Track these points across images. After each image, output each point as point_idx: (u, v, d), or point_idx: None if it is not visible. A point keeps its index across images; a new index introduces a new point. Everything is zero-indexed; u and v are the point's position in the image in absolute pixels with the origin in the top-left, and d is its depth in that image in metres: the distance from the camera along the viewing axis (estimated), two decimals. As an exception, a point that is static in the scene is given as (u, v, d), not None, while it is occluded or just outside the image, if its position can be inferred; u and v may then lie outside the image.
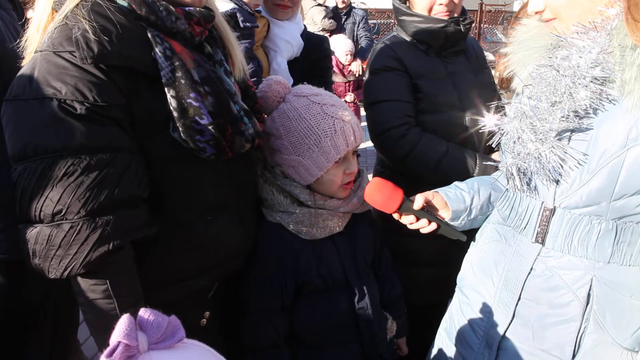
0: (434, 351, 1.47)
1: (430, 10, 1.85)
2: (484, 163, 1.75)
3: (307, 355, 1.48)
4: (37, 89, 1.00)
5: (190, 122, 1.10)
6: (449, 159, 1.76)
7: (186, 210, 1.21)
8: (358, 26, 6.32)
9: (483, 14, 12.58)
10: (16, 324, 1.76)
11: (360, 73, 5.63)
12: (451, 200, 1.35)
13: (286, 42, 2.17)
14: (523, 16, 1.27)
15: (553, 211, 1.10)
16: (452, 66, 1.89)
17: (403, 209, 1.34)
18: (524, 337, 1.17)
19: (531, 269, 1.15)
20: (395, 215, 1.38)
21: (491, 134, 1.21)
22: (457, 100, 1.85)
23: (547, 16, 1.13)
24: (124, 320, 0.61)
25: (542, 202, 1.12)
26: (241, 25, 1.95)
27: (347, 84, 5.68)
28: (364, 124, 1.98)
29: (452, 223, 1.37)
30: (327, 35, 5.54)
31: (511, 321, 1.18)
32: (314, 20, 5.83)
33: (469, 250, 1.41)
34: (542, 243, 1.13)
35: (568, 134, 1.05)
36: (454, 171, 1.70)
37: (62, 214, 1.00)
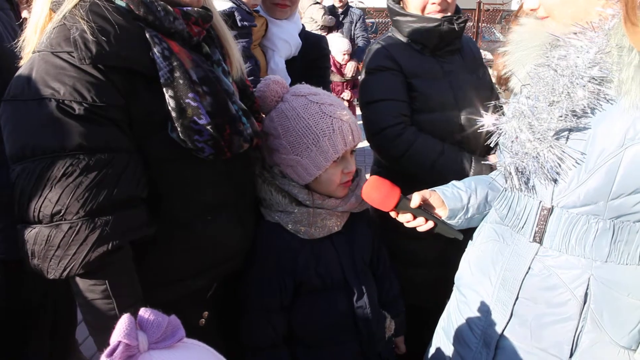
0: (432, 350, 1.48)
1: (423, 10, 1.85)
2: (479, 164, 1.75)
3: (306, 354, 1.48)
4: (35, 89, 1.00)
5: (188, 122, 1.10)
6: (445, 159, 1.77)
7: (185, 210, 1.21)
8: (355, 25, 6.32)
9: (481, 13, 12.57)
10: (15, 324, 1.76)
11: (354, 74, 5.64)
12: (448, 199, 1.36)
13: (284, 41, 2.17)
14: (522, 15, 1.27)
15: (551, 210, 1.11)
16: (448, 65, 1.90)
17: (400, 207, 1.35)
18: (521, 336, 1.17)
19: (529, 268, 1.15)
20: (392, 214, 1.39)
21: (489, 134, 1.21)
22: (452, 100, 1.86)
23: (541, 14, 1.13)
24: (124, 320, 0.61)
25: (540, 202, 1.13)
26: (239, 24, 1.95)
27: (345, 84, 5.68)
28: (360, 122, 1.98)
29: (448, 222, 1.37)
30: (324, 33, 5.54)
31: (509, 320, 1.19)
32: (313, 18, 5.83)
33: (466, 249, 1.42)
34: (540, 242, 1.13)
35: (566, 133, 1.06)
36: (449, 171, 1.70)
37: (61, 214, 1.00)
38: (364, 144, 1.89)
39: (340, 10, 6.30)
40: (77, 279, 1.06)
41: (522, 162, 1.11)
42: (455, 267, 1.44)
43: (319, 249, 1.45)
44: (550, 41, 1.10)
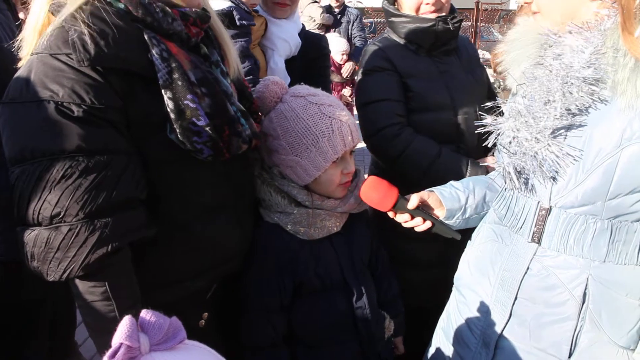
0: (432, 350, 1.48)
1: (417, 10, 1.85)
2: (475, 167, 1.75)
3: (306, 354, 1.48)
4: (33, 91, 1.00)
5: (187, 124, 1.10)
6: (441, 160, 1.77)
7: (183, 212, 1.21)
8: (352, 25, 6.32)
9: (479, 13, 12.57)
10: (15, 325, 1.75)
11: (350, 74, 5.64)
12: (446, 199, 1.36)
13: (283, 40, 2.17)
14: (521, 15, 1.28)
15: (549, 211, 1.11)
16: (443, 66, 1.90)
17: (398, 207, 1.36)
18: (520, 336, 1.18)
19: (527, 268, 1.15)
20: (390, 214, 1.40)
21: (486, 134, 1.21)
22: (448, 100, 1.86)
23: (533, 9, 1.15)
24: (125, 322, 0.61)
25: (538, 202, 1.13)
26: (237, 23, 1.95)
27: (344, 84, 5.68)
28: (357, 122, 1.99)
29: (446, 222, 1.38)
30: (322, 32, 5.54)
31: (508, 320, 1.19)
32: (311, 17, 5.84)
33: (465, 249, 1.42)
34: (538, 242, 1.14)
35: (563, 131, 1.06)
36: (445, 173, 1.70)
37: (61, 216, 1.00)
38: (363, 144, 1.89)
39: (337, 10, 6.30)
40: (77, 280, 1.06)
41: (521, 161, 1.12)
42: (454, 268, 1.44)
43: (318, 250, 1.45)
44: (545, 40, 1.11)
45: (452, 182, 1.44)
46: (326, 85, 2.30)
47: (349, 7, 6.57)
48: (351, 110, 5.58)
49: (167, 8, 1.12)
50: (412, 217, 1.37)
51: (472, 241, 1.40)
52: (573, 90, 1.02)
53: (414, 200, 1.35)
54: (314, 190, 1.44)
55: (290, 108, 1.41)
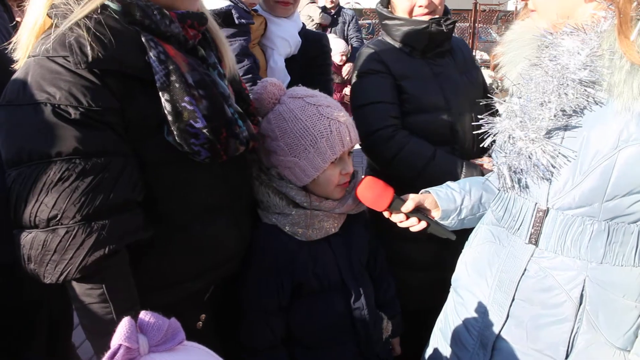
0: (429, 351, 1.48)
1: (410, 13, 1.86)
2: (470, 168, 1.76)
3: (305, 355, 1.48)
4: (30, 94, 1.00)
5: (184, 126, 1.10)
6: (436, 162, 1.77)
7: (181, 214, 1.20)
8: (348, 26, 6.33)
9: (477, 14, 12.60)
10: (12, 326, 1.75)
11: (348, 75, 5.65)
12: (441, 200, 1.37)
13: (283, 39, 2.17)
14: (521, 17, 1.29)
15: (546, 212, 1.11)
16: (438, 67, 1.91)
17: (393, 207, 1.37)
18: (518, 338, 1.18)
19: (525, 269, 1.16)
20: (386, 214, 1.41)
21: (481, 134, 1.21)
22: (442, 101, 1.86)
23: (530, 7, 1.16)
24: (124, 323, 0.61)
25: (536, 203, 1.13)
26: (236, 21, 1.95)
27: (344, 85, 5.68)
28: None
29: (442, 222, 1.38)
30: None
31: (505, 322, 1.20)
32: (310, 16, 5.86)
33: (463, 250, 1.42)
34: (536, 244, 1.14)
35: (558, 132, 1.07)
36: (440, 174, 1.70)
37: (58, 218, 0.99)
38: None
39: (332, 11, 6.31)
40: (74, 283, 1.06)
41: (516, 161, 1.12)
42: (449, 269, 1.45)
43: (316, 251, 1.45)
44: (541, 41, 1.11)
45: (448, 182, 1.45)
46: (327, 84, 2.30)
47: (344, 8, 6.58)
48: (349, 110, 5.56)
49: (165, 10, 1.11)
50: (407, 217, 1.38)
51: (470, 242, 1.40)
52: (569, 92, 1.02)
53: (409, 204, 1.36)
54: (312, 192, 1.44)
55: (289, 109, 1.41)
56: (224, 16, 1.94)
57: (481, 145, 1.21)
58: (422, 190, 1.44)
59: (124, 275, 1.11)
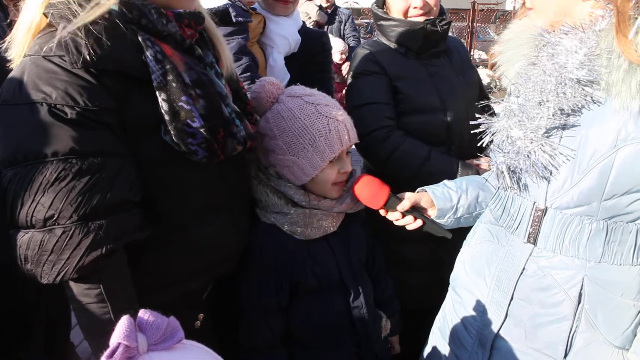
0: (428, 350, 1.48)
1: (405, 14, 1.87)
2: (465, 169, 1.76)
3: (304, 355, 1.48)
4: (26, 93, 0.99)
5: (182, 126, 1.09)
6: (431, 162, 1.78)
7: (179, 213, 1.20)
8: (345, 25, 6.34)
9: (475, 13, 12.60)
10: (10, 326, 1.75)
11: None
12: (438, 199, 1.37)
13: (282, 37, 2.17)
14: (519, 17, 1.29)
15: (545, 211, 1.11)
16: (433, 68, 1.91)
17: (389, 205, 1.38)
18: (516, 337, 1.18)
19: (523, 269, 1.16)
20: (382, 212, 1.41)
21: (478, 134, 1.21)
22: (438, 102, 1.87)
23: (527, 5, 1.16)
24: (123, 322, 0.61)
25: (534, 203, 1.13)
26: (234, 20, 1.95)
27: (344, 84, 5.68)
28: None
29: (438, 221, 1.39)
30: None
31: (504, 321, 1.20)
32: (307, 13, 5.86)
33: (461, 250, 1.42)
34: (534, 243, 1.14)
35: (556, 131, 1.07)
36: (435, 175, 1.70)
37: (54, 219, 0.99)
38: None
39: (328, 10, 6.32)
40: (71, 283, 1.05)
41: (514, 160, 1.12)
42: (448, 269, 1.45)
43: (315, 250, 1.45)
44: (539, 40, 1.11)
45: (445, 181, 1.45)
46: (328, 81, 2.29)
47: (340, 7, 6.59)
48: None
49: (162, 9, 1.11)
50: (403, 216, 1.38)
51: (468, 241, 1.40)
52: (567, 91, 1.02)
53: (405, 203, 1.37)
54: (310, 190, 1.44)
55: (287, 108, 1.41)
56: (221, 14, 1.94)
57: (479, 144, 1.21)
58: (419, 189, 1.44)
59: (122, 275, 1.11)
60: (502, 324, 1.20)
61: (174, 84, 1.08)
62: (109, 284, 1.07)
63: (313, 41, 2.29)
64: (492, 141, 1.19)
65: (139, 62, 1.07)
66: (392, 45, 1.92)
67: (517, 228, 1.18)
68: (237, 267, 1.42)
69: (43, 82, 1.00)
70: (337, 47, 5.59)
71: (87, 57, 1.00)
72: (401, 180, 1.77)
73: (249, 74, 1.98)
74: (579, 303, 1.09)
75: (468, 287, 1.31)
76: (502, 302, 1.19)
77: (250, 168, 1.49)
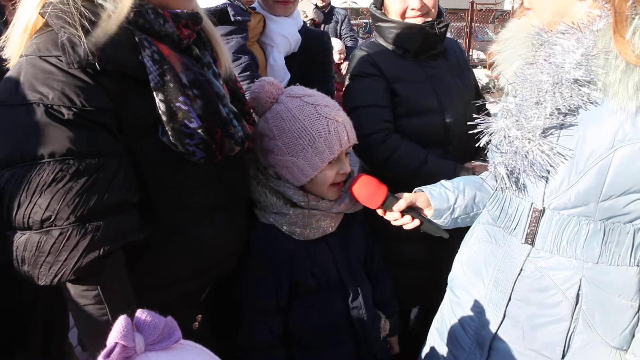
0: (426, 350, 1.48)
1: (403, 15, 1.86)
2: (462, 172, 1.76)
3: (303, 355, 1.49)
4: (23, 94, 0.99)
5: (179, 126, 1.09)
6: (428, 166, 1.78)
7: (177, 214, 1.20)
8: (341, 25, 6.35)
9: (474, 13, 12.62)
10: (8, 329, 1.74)
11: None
12: (434, 199, 1.38)
13: (282, 37, 2.17)
14: (518, 17, 1.29)
15: (542, 212, 1.11)
16: (431, 69, 1.91)
17: (387, 205, 1.38)
18: (514, 337, 1.18)
19: (521, 269, 1.15)
20: (379, 211, 1.41)
21: (476, 136, 1.21)
22: (436, 103, 1.87)
23: (525, 5, 1.16)
24: (121, 322, 0.61)
25: (532, 203, 1.13)
26: (232, 19, 1.95)
27: (343, 85, 5.68)
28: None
29: (435, 221, 1.39)
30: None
31: (502, 321, 1.19)
32: (304, 12, 5.87)
33: (459, 250, 1.42)
34: (532, 244, 1.14)
35: (553, 131, 1.06)
36: (432, 178, 1.71)
37: (51, 220, 0.99)
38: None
39: (324, 10, 6.32)
40: (69, 284, 1.05)
41: (512, 161, 1.12)
42: (446, 269, 1.45)
43: (314, 250, 1.45)
44: (536, 39, 1.11)
45: (442, 181, 1.45)
46: (329, 81, 2.29)
47: (336, 7, 6.60)
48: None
49: (159, 10, 1.11)
50: (402, 215, 1.38)
51: (466, 242, 1.40)
52: (564, 91, 1.02)
53: (401, 203, 1.37)
54: (309, 191, 1.44)
55: (286, 108, 1.41)
56: (220, 14, 1.94)
57: (477, 145, 1.21)
58: (416, 189, 1.44)
59: (120, 276, 1.11)
60: (500, 324, 1.20)
61: (171, 85, 1.08)
62: (106, 286, 1.07)
63: (313, 41, 2.29)
64: (489, 142, 1.19)
65: (136, 62, 1.06)
66: (390, 46, 1.92)
67: (514, 229, 1.18)
68: (236, 268, 1.41)
69: (40, 82, 0.99)
70: (335, 47, 5.60)
71: (84, 57, 0.99)
72: (399, 181, 1.78)
73: (248, 73, 1.98)
74: (576, 304, 1.09)
75: (466, 287, 1.31)
76: (500, 302, 1.19)
77: (249, 168, 1.49)
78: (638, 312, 1.08)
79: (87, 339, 1.12)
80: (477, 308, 1.25)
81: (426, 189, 1.42)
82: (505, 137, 1.12)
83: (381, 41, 1.95)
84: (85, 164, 1.01)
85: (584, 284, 1.08)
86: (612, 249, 1.05)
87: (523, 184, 1.15)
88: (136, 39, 1.07)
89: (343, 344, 1.50)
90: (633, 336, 1.09)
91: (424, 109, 1.86)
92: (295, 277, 1.42)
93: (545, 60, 1.05)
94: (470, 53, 12.04)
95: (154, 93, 1.08)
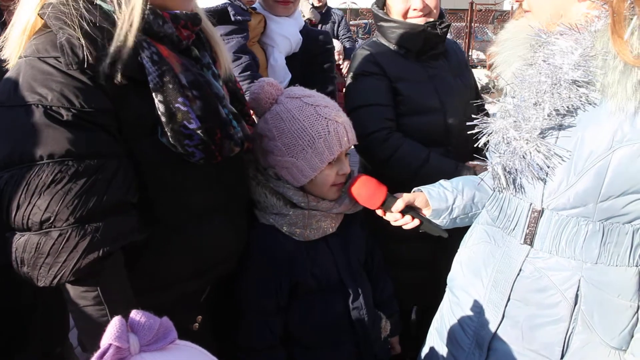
0: (426, 350, 1.48)
1: (405, 15, 1.87)
2: (463, 171, 1.76)
3: (303, 355, 1.49)
4: (22, 95, 0.99)
5: (178, 127, 1.09)
6: (430, 164, 1.78)
7: (176, 214, 1.20)
8: (338, 26, 6.36)
9: (474, 13, 12.62)
10: (7, 330, 1.75)
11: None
12: (433, 199, 1.38)
13: (283, 37, 2.17)
14: (516, 17, 1.29)
15: (541, 212, 1.11)
16: (432, 70, 1.92)
17: (386, 205, 1.37)
18: (513, 338, 1.18)
19: (520, 270, 1.16)
20: (379, 212, 1.41)
21: (475, 136, 1.21)
22: (437, 103, 1.88)
23: (524, 7, 1.15)
24: (115, 323, 0.60)
25: (531, 204, 1.13)
26: (232, 19, 1.95)
27: (342, 84, 5.68)
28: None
29: (433, 221, 1.39)
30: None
31: (501, 322, 1.19)
32: (301, 11, 5.88)
33: (458, 250, 1.42)
34: (531, 244, 1.14)
35: (552, 132, 1.06)
36: (434, 176, 1.71)
37: (51, 221, 0.99)
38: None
39: (322, 10, 6.33)
40: (68, 286, 1.05)
41: (510, 162, 1.12)
42: (445, 269, 1.45)
43: (314, 251, 1.45)
44: (535, 40, 1.11)
45: (441, 181, 1.45)
46: (330, 81, 2.29)
47: (333, 8, 6.62)
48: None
49: (158, 10, 1.10)
50: (403, 216, 1.38)
51: (465, 242, 1.40)
52: (562, 92, 1.02)
53: (399, 203, 1.37)
54: (309, 192, 1.44)
55: (286, 109, 1.41)
56: (220, 14, 1.94)
57: (475, 145, 1.21)
58: (415, 189, 1.44)
59: (119, 277, 1.11)
60: (499, 324, 1.20)
61: (170, 85, 1.08)
62: (106, 286, 1.07)
63: (315, 41, 2.29)
64: (488, 142, 1.19)
65: (135, 63, 1.06)
66: (392, 46, 1.92)
67: (513, 229, 1.18)
68: (236, 268, 1.41)
69: (38, 83, 0.99)
70: (335, 47, 5.60)
71: (82, 58, 0.99)
72: (399, 181, 1.78)
73: (248, 72, 1.98)
74: (575, 304, 1.09)
75: (465, 288, 1.31)
76: (499, 303, 1.19)
77: (249, 169, 1.49)
78: (637, 312, 1.08)
79: (87, 339, 1.12)
80: (476, 308, 1.25)
81: (425, 188, 1.42)
82: (503, 138, 1.12)
83: (383, 41, 1.95)
84: (85, 165, 1.01)
85: (582, 285, 1.07)
86: (611, 250, 1.05)
87: (521, 184, 1.15)
88: (135, 39, 1.06)
89: (343, 344, 1.50)
90: (632, 336, 1.09)
91: (425, 109, 1.87)
92: (295, 277, 1.42)
93: (543, 61, 1.05)
94: (470, 53, 12.04)
95: (153, 94, 1.08)
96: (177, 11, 1.15)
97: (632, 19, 0.92)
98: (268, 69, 2.20)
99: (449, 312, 1.37)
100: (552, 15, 1.07)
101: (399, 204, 1.37)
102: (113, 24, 1.05)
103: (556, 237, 1.09)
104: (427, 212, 1.40)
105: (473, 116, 1.21)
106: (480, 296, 1.25)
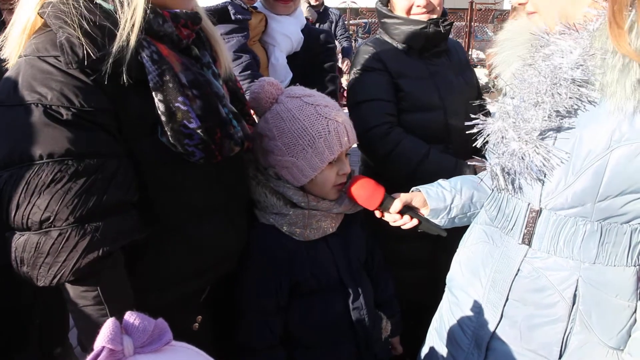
0: (425, 350, 1.48)
1: (408, 12, 1.88)
2: (463, 168, 1.77)
3: (304, 355, 1.48)
4: (21, 94, 0.99)
5: (178, 126, 1.09)
6: (430, 160, 1.79)
7: (176, 214, 1.20)
8: (336, 26, 6.37)
9: (473, 13, 12.61)
10: (5, 328, 1.74)
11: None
12: (431, 199, 1.38)
13: (284, 36, 2.17)
14: (515, 16, 1.28)
15: (539, 212, 1.11)
16: (434, 67, 1.93)
17: (384, 206, 1.38)
18: (512, 338, 1.18)
19: (518, 270, 1.15)
20: (377, 213, 1.41)
21: (475, 134, 1.21)
22: (438, 100, 1.88)
23: (529, 9, 1.13)
24: (108, 325, 0.60)
25: (529, 204, 1.13)
26: (233, 17, 1.95)
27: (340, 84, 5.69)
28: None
29: (431, 220, 1.39)
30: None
31: (499, 322, 1.19)
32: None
33: (457, 250, 1.42)
34: (529, 244, 1.14)
35: (551, 133, 1.06)
36: (434, 172, 1.71)
37: (50, 221, 0.98)
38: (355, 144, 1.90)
39: (319, 9, 6.34)
40: (68, 285, 1.05)
41: (509, 162, 1.12)
42: (444, 268, 1.45)
43: (314, 251, 1.45)
44: (535, 41, 1.10)
45: (439, 180, 1.45)
46: (331, 80, 2.29)
47: (330, 8, 6.63)
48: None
49: (158, 9, 1.10)
50: (402, 216, 1.38)
51: (464, 242, 1.40)
52: (562, 92, 1.02)
53: (396, 205, 1.37)
54: (309, 191, 1.44)
55: (286, 109, 1.41)
56: (221, 12, 1.94)
57: (474, 145, 1.21)
58: (413, 188, 1.44)
59: (119, 277, 1.11)
60: (498, 324, 1.20)
61: (170, 85, 1.08)
62: (106, 286, 1.07)
63: (316, 40, 2.29)
64: (487, 142, 1.19)
65: (135, 63, 1.06)
66: (395, 43, 1.93)
67: (512, 229, 1.18)
68: (236, 268, 1.41)
69: (38, 83, 0.99)
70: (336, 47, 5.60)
71: (82, 57, 0.99)
72: (400, 178, 1.79)
73: (249, 72, 1.98)
74: (573, 304, 1.09)
75: (464, 287, 1.31)
76: (498, 303, 1.19)
77: (249, 169, 1.49)
78: (635, 312, 1.08)
79: (87, 339, 1.11)
80: (475, 308, 1.25)
81: (423, 188, 1.42)
82: (502, 138, 1.12)
83: (386, 38, 1.96)
84: (84, 165, 1.01)
85: (580, 285, 1.07)
86: (609, 250, 1.05)
87: (519, 185, 1.15)
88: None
89: (343, 345, 1.50)
90: (630, 336, 1.09)
91: (426, 106, 1.88)
92: (296, 277, 1.42)
93: (543, 61, 1.05)
94: (470, 53, 12.03)
95: (153, 93, 1.07)
96: (177, 10, 1.15)
97: (631, 10, 0.90)
98: (269, 68, 2.19)
99: (448, 312, 1.38)
100: (560, 15, 1.06)
101: (397, 204, 1.38)
102: (114, 23, 1.04)
103: (554, 237, 1.09)
104: (425, 212, 1.40)
105: (472, 116, 1.20)
106: (478, 296, 1.25)
